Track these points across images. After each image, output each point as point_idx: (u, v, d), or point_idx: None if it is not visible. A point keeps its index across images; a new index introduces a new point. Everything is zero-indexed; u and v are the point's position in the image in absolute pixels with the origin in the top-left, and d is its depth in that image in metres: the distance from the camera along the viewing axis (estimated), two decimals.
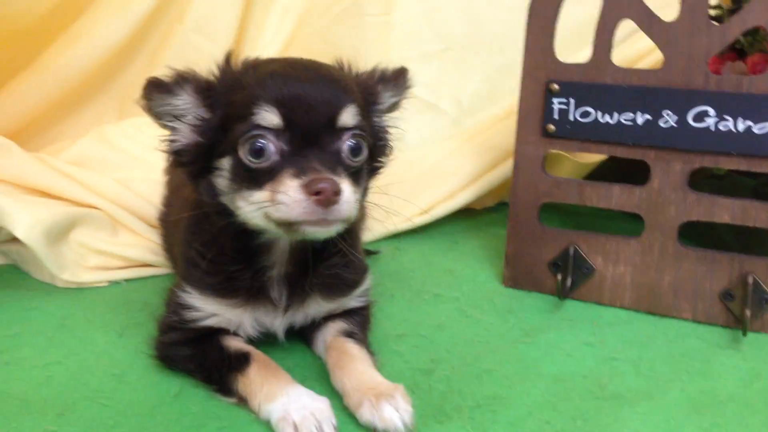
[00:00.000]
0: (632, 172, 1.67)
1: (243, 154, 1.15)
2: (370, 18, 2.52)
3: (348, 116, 1.18)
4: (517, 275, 1.79)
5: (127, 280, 1.80)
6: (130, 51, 2.38)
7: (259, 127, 1.14)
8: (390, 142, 1.38)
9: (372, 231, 2.11)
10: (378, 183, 2.22)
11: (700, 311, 1.62)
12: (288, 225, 1.15)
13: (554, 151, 1.76)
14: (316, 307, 1.40)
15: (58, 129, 2.32)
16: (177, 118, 1.24)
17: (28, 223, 1.66)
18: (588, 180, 1.73)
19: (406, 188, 2.20)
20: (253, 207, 1.17)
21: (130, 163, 2.07)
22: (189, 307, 1.34)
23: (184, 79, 1.23)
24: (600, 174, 2.15)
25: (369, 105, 1.32)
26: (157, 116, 1.25)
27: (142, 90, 1.22)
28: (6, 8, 2.01)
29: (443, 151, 2.30)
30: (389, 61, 2.58)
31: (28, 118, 2.23)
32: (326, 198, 1.09)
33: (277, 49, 2.53)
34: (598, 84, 1.60)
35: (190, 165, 1.27)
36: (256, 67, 1.25)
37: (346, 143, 1.19)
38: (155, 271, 1.83)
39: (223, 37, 2.38)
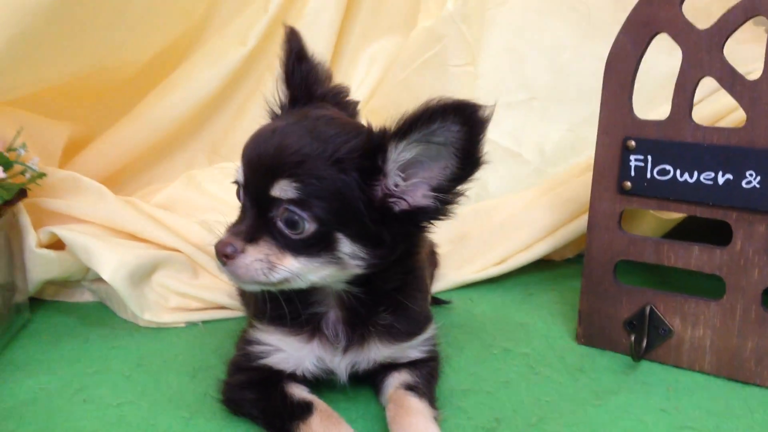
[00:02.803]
0: (715, 231, 1.61)
1: None
2: (453, 68, 2.55)
3: (279, 190, 1.19)
4: (591, 333, 1.74)
5: (204, 322, 1.85)
6: (222, 101, 2.50)
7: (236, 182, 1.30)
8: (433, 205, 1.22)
9: (445, 279, 2.11)
10: (455, 232, 2.23)
11: None
12: None
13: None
14: (376, 351, 1.41)
15: (153, 173, 2.45)
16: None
17: (114, 265, 1.74)
18: (667, 238, 1.67)
19: (484, 238, 2.20)
20: None
21: (215, 207, 2.14)
22: (255, 342, 1.40)
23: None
24: (681, 230, 2.08)
25: (364, 172, 1.20)
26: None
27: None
28: (113, 60, 2.14)
29: (521, 201, 2.27)
30: None
31: (124, 163, 2.36)
32: (221, 258, 1.23)
33: (363, 97, 2.60)
34: (676, 142, 1.55)
35: None
36: None
37: (282, 215, 1.20)
38: (231, 314, 1.88)
39: None
